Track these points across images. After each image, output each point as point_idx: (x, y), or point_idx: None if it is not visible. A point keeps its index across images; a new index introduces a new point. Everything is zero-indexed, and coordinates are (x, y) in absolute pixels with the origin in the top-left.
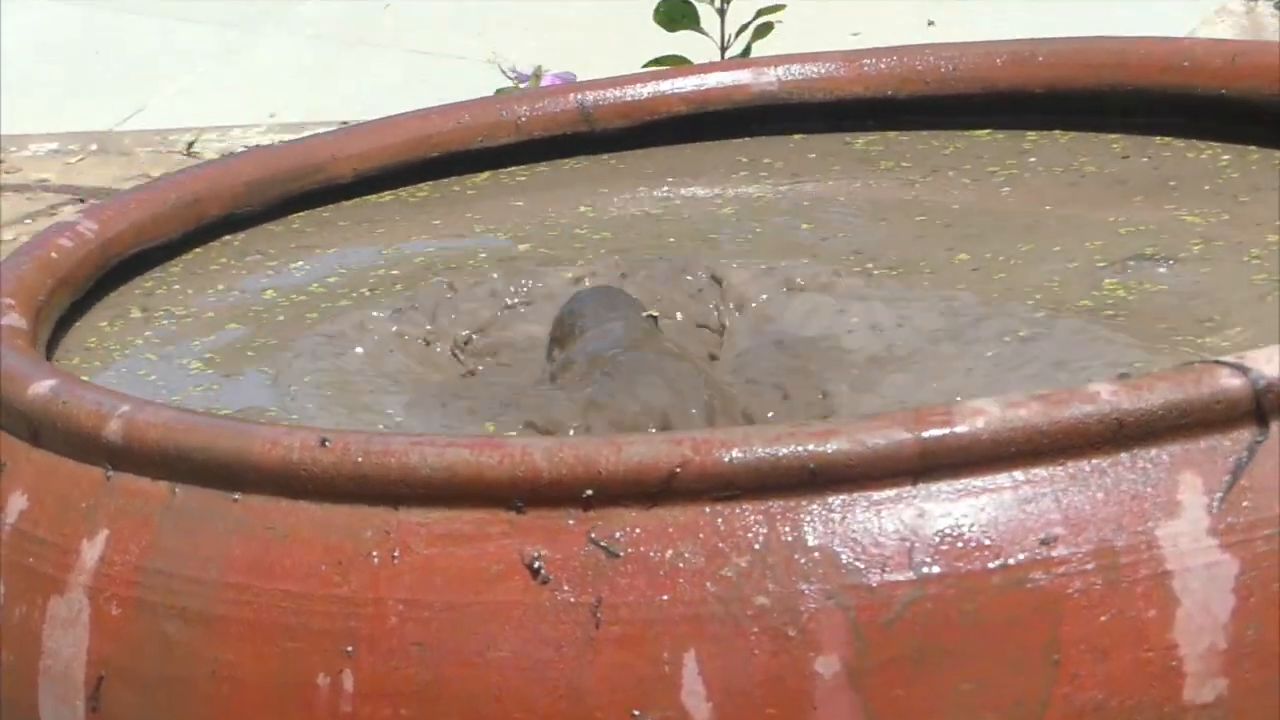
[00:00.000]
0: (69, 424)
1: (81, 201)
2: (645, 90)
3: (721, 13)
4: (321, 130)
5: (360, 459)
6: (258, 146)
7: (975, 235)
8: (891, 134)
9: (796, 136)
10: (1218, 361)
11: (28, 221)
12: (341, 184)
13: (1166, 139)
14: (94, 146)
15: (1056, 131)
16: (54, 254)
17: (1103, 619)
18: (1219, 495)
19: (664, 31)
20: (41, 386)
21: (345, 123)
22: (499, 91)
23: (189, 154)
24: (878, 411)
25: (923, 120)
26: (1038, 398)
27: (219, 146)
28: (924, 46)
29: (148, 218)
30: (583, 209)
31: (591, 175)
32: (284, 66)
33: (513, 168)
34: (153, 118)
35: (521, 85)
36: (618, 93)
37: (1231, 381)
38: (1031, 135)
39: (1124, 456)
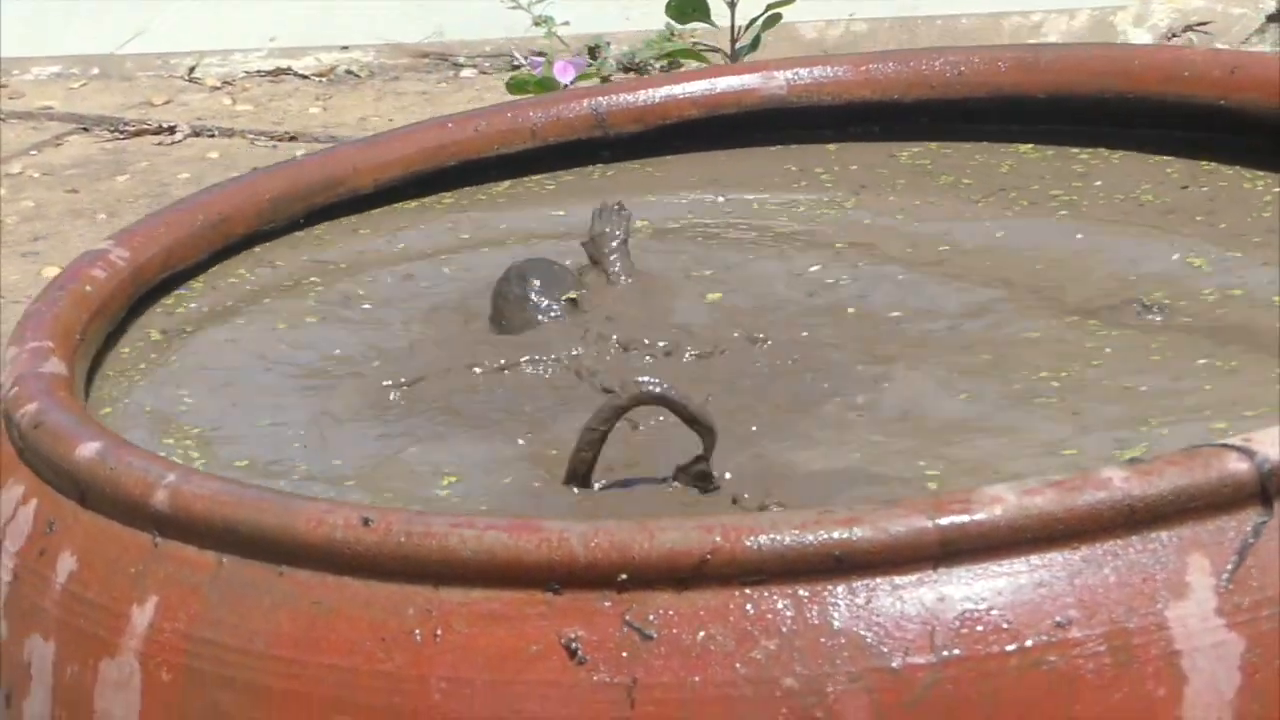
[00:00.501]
0: (116, 490)
1: (86, 131)
2: (658, 94)
3: (732, 5)
4: (322, 53)
5: (403, 539)
6: (280, 162)
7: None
8: (934, 145)
9: (831, 147)
10: (1224, 445)
11: (34, 153)
12: (364, 194)
13: (1212, 164)
14: (95, 71)
15: (1103, 149)
16: (88, 286)
17: (1115, 698)
18: (1226, 576)
19: None
20: (88, 449)
21: (346, 47)
22: (511, 83)
23: (190, 79)
24: (899, 498)
25: (926, 123)
26: (1053, 484)
27: (220, 71)
28: (929, 51)
29: (177, 241)
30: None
31: (628, 183)
32: None
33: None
34: (153, 41)
35: (535, 71)
36: (630, 97)
37: (1238, 465)
38: (1082, 154)
39: (1135, 540)
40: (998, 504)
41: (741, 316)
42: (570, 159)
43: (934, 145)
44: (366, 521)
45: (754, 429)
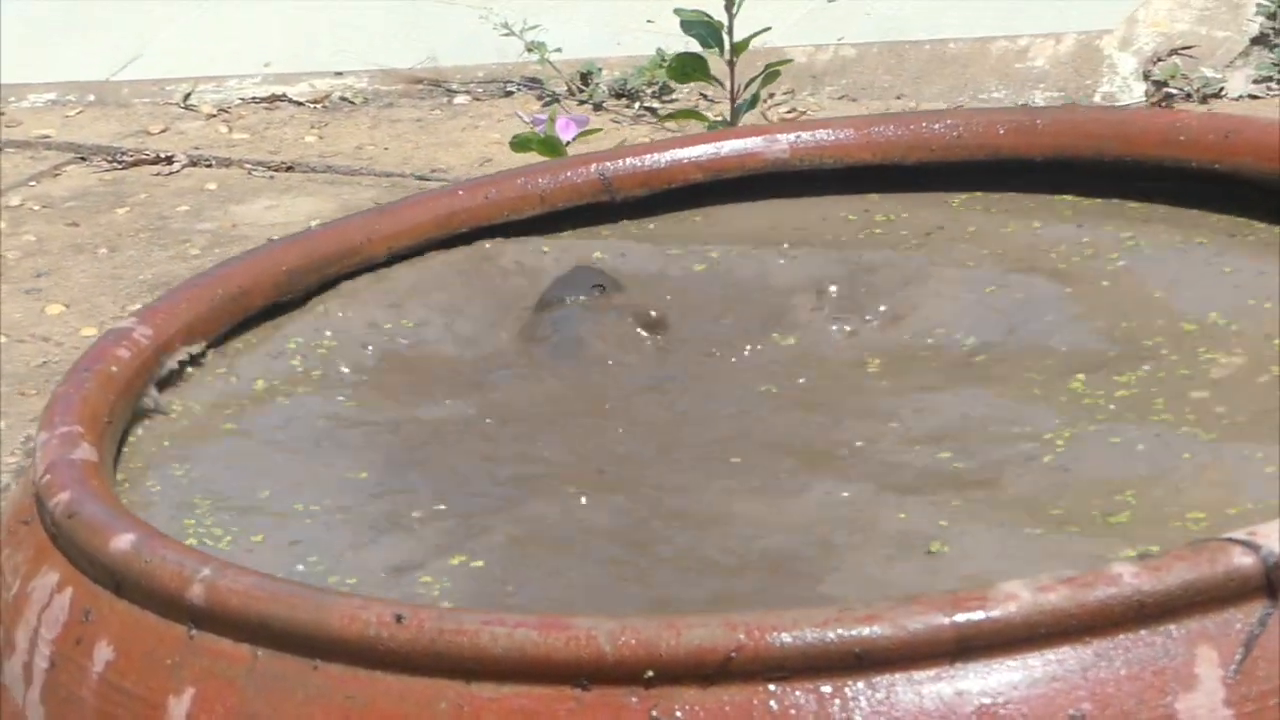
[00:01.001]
0: (152, 583)
1: (84, 160)
2: (664, 158)
3: (731, 64)
4: (316, 79)
5: (435, 636)
6: (296, 234)
7: None
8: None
9: (873, 195)
10: (1229, 539)
11: (33, 184)
12: (378, 263)
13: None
14: (91, 97)
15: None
16: (114, 367)
17: None
18: (1233, 667)
19: None
20: (123, 541)
21: (340, 73)
22: (514, 142)
23: (186, 106)
24: (918, 592)
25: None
26: (1065, 581)
27: (216, 98)
28: (930, 113)
29: (197, 316)
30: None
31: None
32: (275, 12)
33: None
34: (149, 66)
35: (537, 129)
36: (636, 161)
37: (1244, 560)
38: (1133, 205)
39: (1144, 633)
40: (1012, 601)
41: None
42: (578, 222)
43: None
44: (399, 618)
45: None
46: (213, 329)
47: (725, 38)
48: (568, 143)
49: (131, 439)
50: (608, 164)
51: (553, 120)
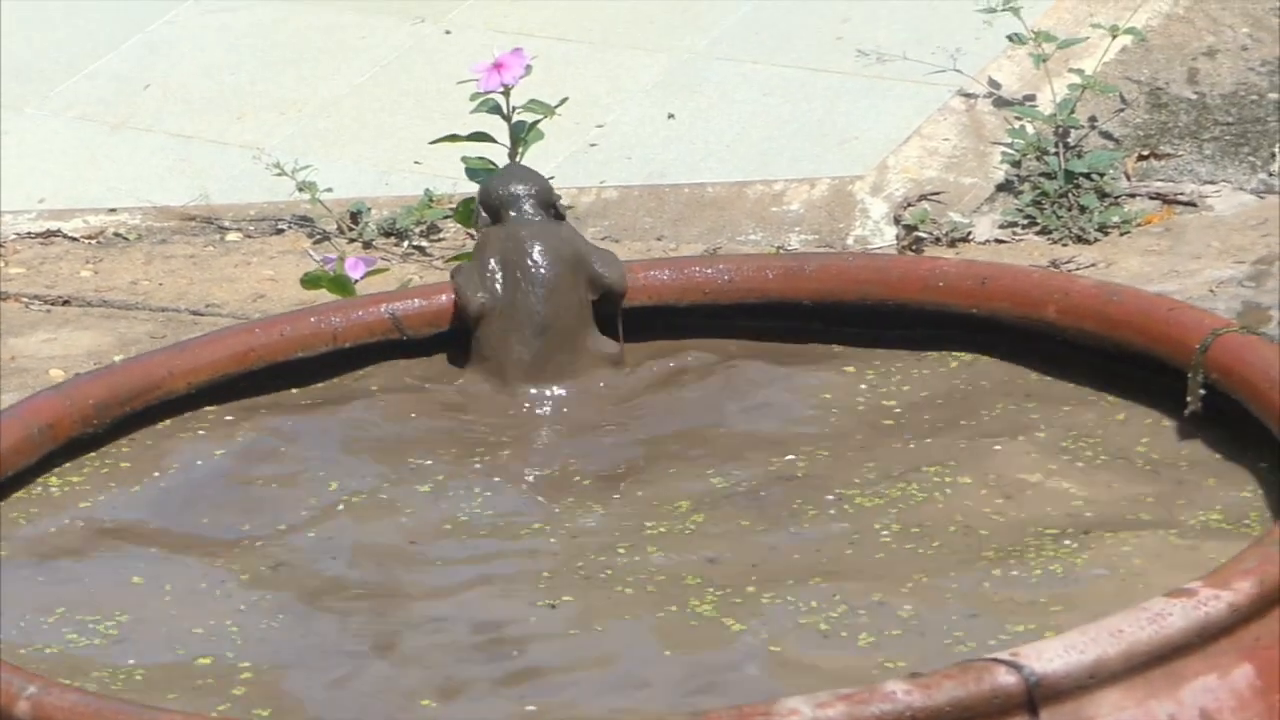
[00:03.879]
0: None
1: None
2: (450, 299)
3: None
4: (90, 215)
5: None
6: (101, 367)
7: None
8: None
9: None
10: (994, 660)
11: None
12: (179, 396)
13: None
14: None
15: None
16: None
17: None
18: None
19: (433, 122)
20: None
21: (114, 210)
22: (305, 279)
23: None
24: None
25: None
26: (843, 697)
27: None
28: (701, 258)
29: (9, 447)
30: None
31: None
32: (49, 150)
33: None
34: None
35: (327, 268)
36: (424, 302)
37: (1007, 678)
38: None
39: None
40: (794, 715)
41: None
42: (370, 359)
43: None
44: None
45: None
46: (22, 461)
47: None
48: (356, 281)
49: None
50: (397, 304)
51: (342, 260)
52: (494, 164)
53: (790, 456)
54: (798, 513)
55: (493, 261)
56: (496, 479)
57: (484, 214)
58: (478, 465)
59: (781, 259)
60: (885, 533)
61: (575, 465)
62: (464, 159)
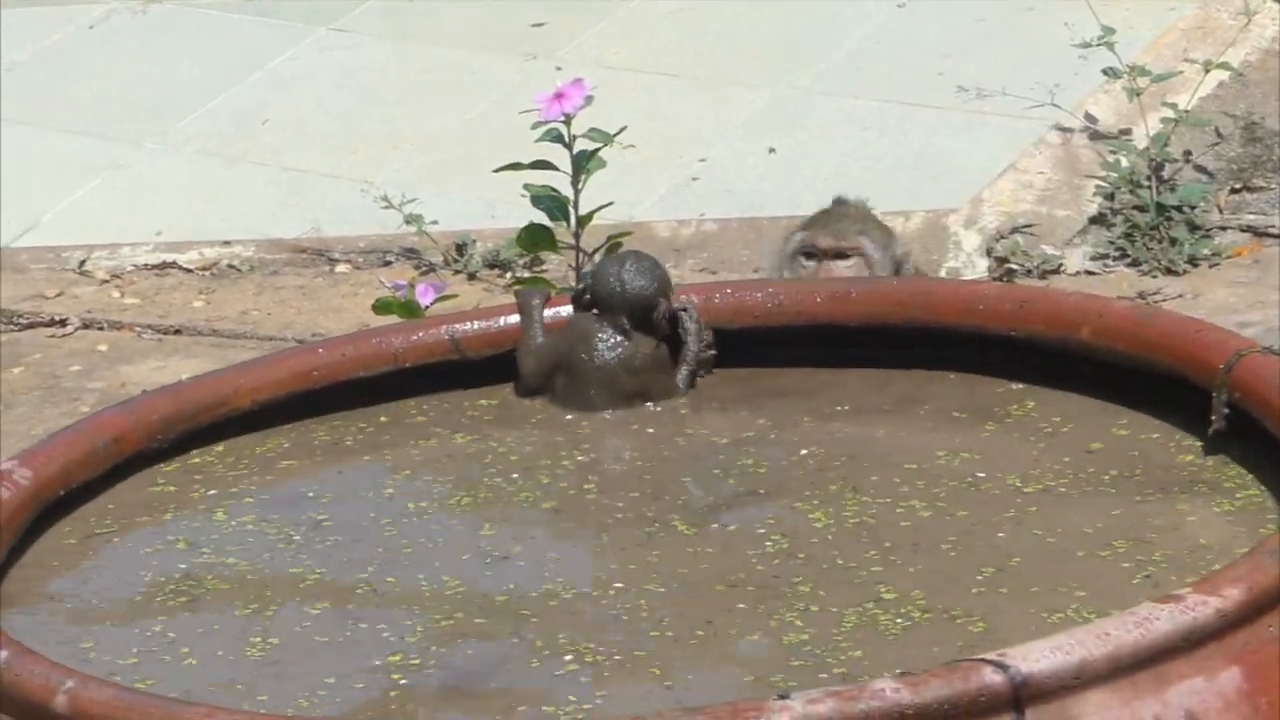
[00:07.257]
0: (20, 694)
1: None
2: (509, 321)
3: (577, 235)
4: (205, 248)
5: None
6: (168, 385)
7: None
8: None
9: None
10: (982, 660)
11: None
12: (243, 412)
13: None
14: None
15: None
16: None
17: None
18: None
19: (540, 156)
20: None
21: (228, 242)
22: (377, 305)
23: (80, 272)
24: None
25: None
26: (833, 694)
27: (109, 265)
28: (752, 283)
29: (75, 460)
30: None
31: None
32: (168, 183)
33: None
34: (45, 234)
35: (398, 294)
36: (484, 324)
37: (994, 677)
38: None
39: None
40: (785, 713)
41: None
42: (431, 380)
43: None
44: None
45: None
46: (89, 472)
47: (571, 211)
48: (427, 306)
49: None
50: (456, 326)
51: (413, 286)
52: (557, 193)
53: None
54: None
55: (556, 351)
56: None
57: (586, 289)
58: None
59: (829, 283)
60: None
61: None
62: (527, 186)
